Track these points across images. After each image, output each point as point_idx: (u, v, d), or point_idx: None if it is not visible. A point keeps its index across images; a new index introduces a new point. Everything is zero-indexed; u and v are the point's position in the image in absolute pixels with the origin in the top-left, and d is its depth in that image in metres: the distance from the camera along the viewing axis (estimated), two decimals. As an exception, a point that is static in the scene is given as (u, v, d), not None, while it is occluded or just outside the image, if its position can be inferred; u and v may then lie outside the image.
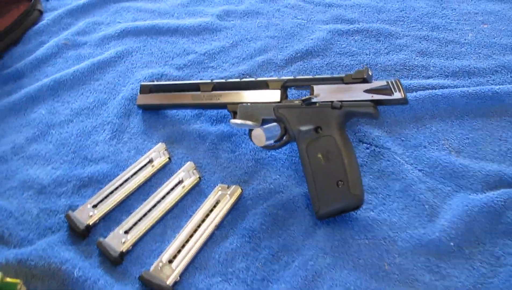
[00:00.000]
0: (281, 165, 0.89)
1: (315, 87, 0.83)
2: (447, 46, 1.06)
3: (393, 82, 0.79)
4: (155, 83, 0.97)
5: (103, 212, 0.83)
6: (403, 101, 0.78)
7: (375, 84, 0.80)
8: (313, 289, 0.73)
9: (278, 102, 0.86)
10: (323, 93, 0.82)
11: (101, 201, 0.84)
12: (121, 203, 0.85)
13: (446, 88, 0.97)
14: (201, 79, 1.04)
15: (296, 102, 0.84)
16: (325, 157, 0.79)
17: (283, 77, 0.87)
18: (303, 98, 0.83)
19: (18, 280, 0.67)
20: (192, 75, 1.06)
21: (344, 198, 0.77)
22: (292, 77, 0.87)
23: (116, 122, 0.97)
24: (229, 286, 0.74)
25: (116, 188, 0.86)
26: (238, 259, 0.77)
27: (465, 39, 1.07)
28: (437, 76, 1.00)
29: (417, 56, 1.05)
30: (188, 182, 0.86)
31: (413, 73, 1.01)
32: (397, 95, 0.78)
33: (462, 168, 0.84)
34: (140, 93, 0.97)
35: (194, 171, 0.88)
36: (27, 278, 0.74)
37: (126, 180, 0.87)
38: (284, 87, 0.87)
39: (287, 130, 0.84)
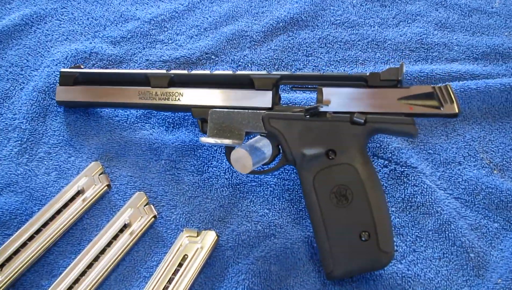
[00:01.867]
0: (269, 193, 0.66)
1: (324, 89, 0.60)
2: (471, 16, 0.85)
3: (442, 89, 0.57)
4: (83, 70, 0.70)
5: (13, 277, 0.58)
6: (454, 116, 0.57)
7: (416, 89, 0.58)
8: None
9: (269, 108, 0.62)
10: (336, 100, 0.60)
11: (8, 259, 0.59)
12: (40, 261, 0.60)
13: (478, 76, 0.77)
14: (148, 65, 0.78)
15: (296, 110, 0.61)
16: (341, 196, 0.57)
17: (276, 72, 0.63)
18: (308, 106, 0.59)
19: None
20: (134, 53, 0.79)
21: (370, 256, 0.57)
22: (288, 72, 0.63)
23: (26, 128, 0.70)
24: None
25: (31, 237, 0.60)
26: None
27: (491, 7, 0.86)
28: (464, 58, 0.79)
29: (435, 30, 0.83)
30: (138, 225, 0.62)
31: (433, 54, 0.80)
32: (448, 108, 0.56)
33: (510, 195, 0.65)
34: (59, 84, 0.70)
35: (147, 207, 0.63)
36: None
37: (45, 223, 0.62)
38: (277, 86, 0.63)
39: (283, 150, 0.61)
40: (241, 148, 0.58)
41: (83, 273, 0.58)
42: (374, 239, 0.56)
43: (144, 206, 0.63)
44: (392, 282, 0.60)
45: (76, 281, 0.58)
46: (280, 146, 0.62)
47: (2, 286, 0.57)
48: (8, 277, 0.57)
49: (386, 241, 0.56)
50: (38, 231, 0.61)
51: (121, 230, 0.62)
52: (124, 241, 0.61)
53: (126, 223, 0.62)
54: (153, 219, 0.63)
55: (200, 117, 0.64)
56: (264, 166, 0.65)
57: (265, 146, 0.61)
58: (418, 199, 0.66)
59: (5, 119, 0.71)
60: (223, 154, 0.69)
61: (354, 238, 0.57)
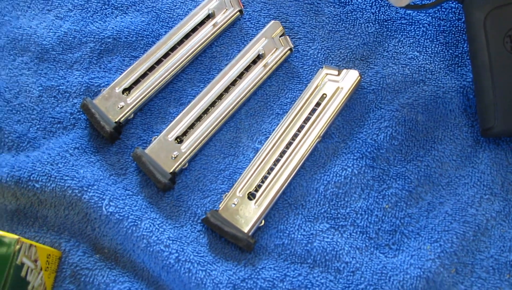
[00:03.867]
0: (421, 33, 0.59)
1: None
2: None
3: None
4: None
5: (140, 101, 0.56)
6: None
7: None
8: (474, 254, 0.50)
9: None
10: None
11: (135, 82, 0.57)
12: (167, 87, 0.58)
13: None
14: None
15: None
16: (519, 42, 0.49)
17: None
18: None
19: (15, 236, 0.44)
20: None
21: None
22: None
23: None
24: (341, 239, 0.51)
25: (159, 61, 0.58)
26: (355, 194, 0.53)
27: None
28: None
29: None
30: (273, 58, 0.58)
31: None
32: None
33: None
34: None
35: (282, 38, 0.58)
36: (32, 205, 0.52)
37: (173, 48, 0.59)
38: None
39: (451, -18, 0.52)
40: (400, -25, 0.50)
41: (212, 104, 0.56)
42: (553, 95, 0.49)
43: (280, 37, 0.58)
44: (561, 148, 0.53)
45: (205, 111, 0.56)
46: (446, -24, 0.53)
47: (131, 109, 0.56)
48: (137, 101, 0.56)
49: None
50: (165, 56, 0.58)
51: (254, 62, 0.58)
52: (257, 73, 0.57)
53: (260, 54, 0.57)
54: (288, 52, 0.58)
55: None
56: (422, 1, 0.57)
57: (429, -25, 0.52)
58: None
59: None
60: (371, -16, 0.61)
61: (528, 92, 0.50)
